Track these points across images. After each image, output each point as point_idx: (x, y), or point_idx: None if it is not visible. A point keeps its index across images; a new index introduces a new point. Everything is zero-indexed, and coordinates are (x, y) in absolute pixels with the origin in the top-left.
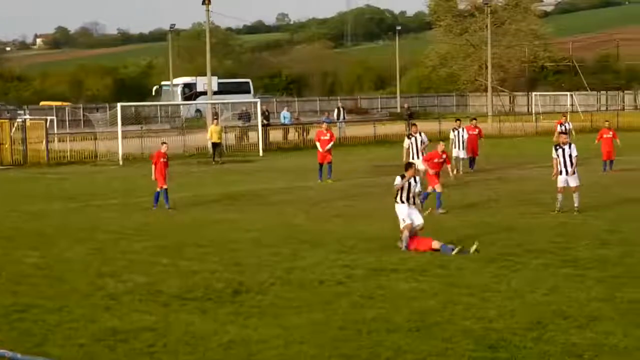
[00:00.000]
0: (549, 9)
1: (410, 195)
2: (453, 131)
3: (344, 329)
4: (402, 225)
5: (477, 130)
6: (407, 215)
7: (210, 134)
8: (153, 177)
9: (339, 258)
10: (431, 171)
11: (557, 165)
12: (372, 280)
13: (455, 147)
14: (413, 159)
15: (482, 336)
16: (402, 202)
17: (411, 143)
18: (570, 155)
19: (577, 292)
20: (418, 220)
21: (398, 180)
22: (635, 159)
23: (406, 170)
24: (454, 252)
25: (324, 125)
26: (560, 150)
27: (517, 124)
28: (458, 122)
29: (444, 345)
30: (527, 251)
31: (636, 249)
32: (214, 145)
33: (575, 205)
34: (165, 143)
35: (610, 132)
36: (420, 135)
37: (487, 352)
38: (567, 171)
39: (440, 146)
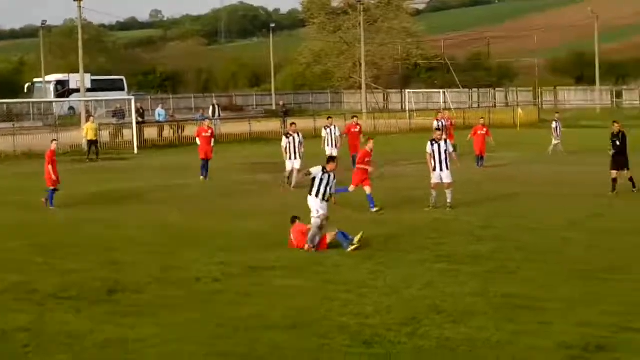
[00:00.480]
0: (421, 7)
1: (328, 190)
2: (325, 129)
3: (221, 327)
4: (315, 219)
5: (485, 129)
6: (320, 208)
7: (86, 132)
8: (53, 176)
9: (216, 256)
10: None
11: (431, 160)
12: (248, 277)
13: (327, 145)
14: (291, 158)
15: (357, 332)
16: (316, 196)
17: (289, 142)
18: (445, 151)
19: (451, 287)
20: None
21: (317, 170)
22: (507, 155)
23: (328, 163)
24: (349, 249)
25: (206, 122)
26: (435, 146)
27: (391, 121)
28: (330, 119)
29: (320, 342)
30: (402, 247)
31: (508, 245)
32: (90, 142)
33: (448, 201)
34: (55, 140)
35: (484, 129)
36: (298, 135)
37: (362, 347)
38: (441, 167)
39: (370, 144)
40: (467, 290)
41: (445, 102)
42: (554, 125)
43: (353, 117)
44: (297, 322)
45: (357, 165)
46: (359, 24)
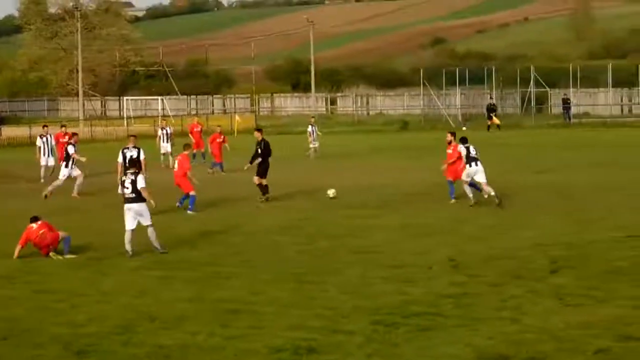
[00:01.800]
0: (140, 14)
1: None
2: (40, 138)
3: None
4: None
5: (222, 137)
6: None
7: None
8: None
9: None
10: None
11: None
12: None
13: (42, 155)
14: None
15: (71, 342)
16: None
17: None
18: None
19: (166, 293)
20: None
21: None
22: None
23: None
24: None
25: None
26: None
27: (109, 128)
28: (46, 128)
29: (34, 352)
30: (119, 254)
31: (223, 250)
32: None
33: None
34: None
35: (222, 137)
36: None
37: (75, 357)
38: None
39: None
40: (182, 296)
41: (163, 109)
42: (309, 129)
43: (62, 127)
44: (9, 333)
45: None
46: (77, 30)
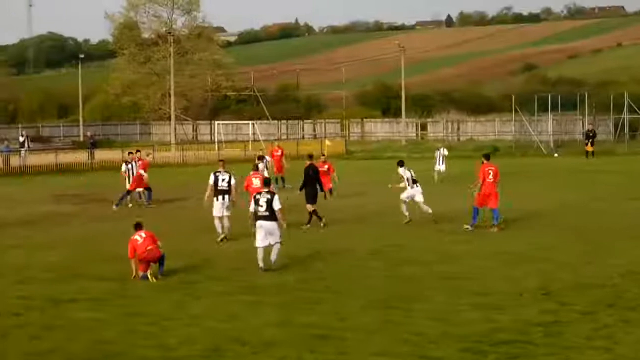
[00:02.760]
0: (232, 39)
1: None
2: (126, 164)
3: None
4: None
5: (326, 166)
6: None
7: None
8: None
9: (17, 289)
10: None
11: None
12: (51, 310)
13: (129, 181)
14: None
15: None
16: None
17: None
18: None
19: (255, 318)
20: None
21: None
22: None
23: None
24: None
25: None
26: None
27: (201, 152)
28: (131, 155)
29: None
30: (208, 278)
31: (311, 275)
32: None
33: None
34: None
35: (326, 166)
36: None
37: None
38: (223, 197)
39: None
40: (271, 321)
41: (254, 134)
42: (437, 153)
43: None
44: (100, 355)
45: None
46: (170, 55)
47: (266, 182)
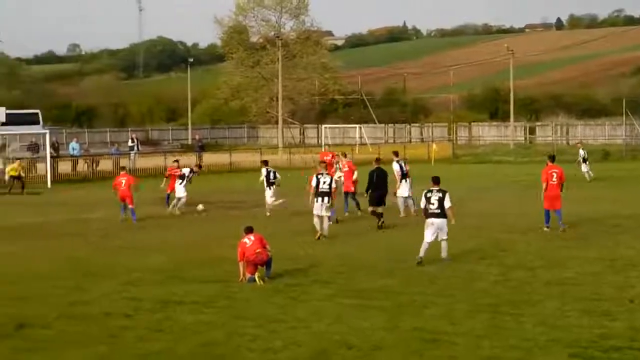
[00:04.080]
0: (340, 43)
1: None
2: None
3: None
4: None
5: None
6: None
7: (10, 170)
8: None
9: (126, 290)
10: None
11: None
12: (159, 312)
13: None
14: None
15: None
16: None
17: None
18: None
19: (361, 321)
20: None
21: None
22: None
23: None
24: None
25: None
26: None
27: (307, 155)
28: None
29: None
30: (313, 281)
31: (417, 278)
32: (13, 177)
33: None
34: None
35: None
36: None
37: None
38: (322, 199)
39: None
40: (377, 324)
41: (361, 137)
42: (581, 152)
43: (174, 162)
44: (206, 357)
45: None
46: (278, 59)
47: (435, 181)
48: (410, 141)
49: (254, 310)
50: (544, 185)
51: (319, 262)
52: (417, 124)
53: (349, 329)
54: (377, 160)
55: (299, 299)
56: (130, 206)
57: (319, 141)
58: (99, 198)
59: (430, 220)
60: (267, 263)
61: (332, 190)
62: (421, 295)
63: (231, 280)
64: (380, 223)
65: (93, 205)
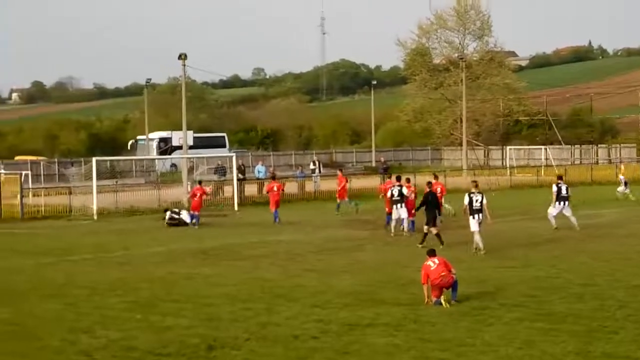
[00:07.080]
0: (524, 63)
1: None
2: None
3: None
4: None
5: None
6: None
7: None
8: None
9: (313, 313)
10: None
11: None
12: (346, 335)
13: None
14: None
15: None
16: None
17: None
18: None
19: (551, 346)
20: None
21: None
22: (606, 211)
23: None
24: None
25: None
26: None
27: (492, 177)
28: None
29: None
30: (501, 305)
31: (608, 303)
32: None
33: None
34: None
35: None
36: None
37: None
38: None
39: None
40: (568, 349)
41: (547, 159)
42: None
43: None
44: None
45: None
46: (461, 80)
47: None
48: (597, 162)
49: (442, 333)
50: None
51: (507, 285)
52: (604, 145)
53: (540, 353)
54: (429, 183)
55: (486, 322)
56: None
57: (504, 163)
58: (284, 220)
59: None
60: (453, 286)
61: (484, 207)
62: (612, 320)
63: (418, 303)
64: (423, 244)
65: (279, 227)
